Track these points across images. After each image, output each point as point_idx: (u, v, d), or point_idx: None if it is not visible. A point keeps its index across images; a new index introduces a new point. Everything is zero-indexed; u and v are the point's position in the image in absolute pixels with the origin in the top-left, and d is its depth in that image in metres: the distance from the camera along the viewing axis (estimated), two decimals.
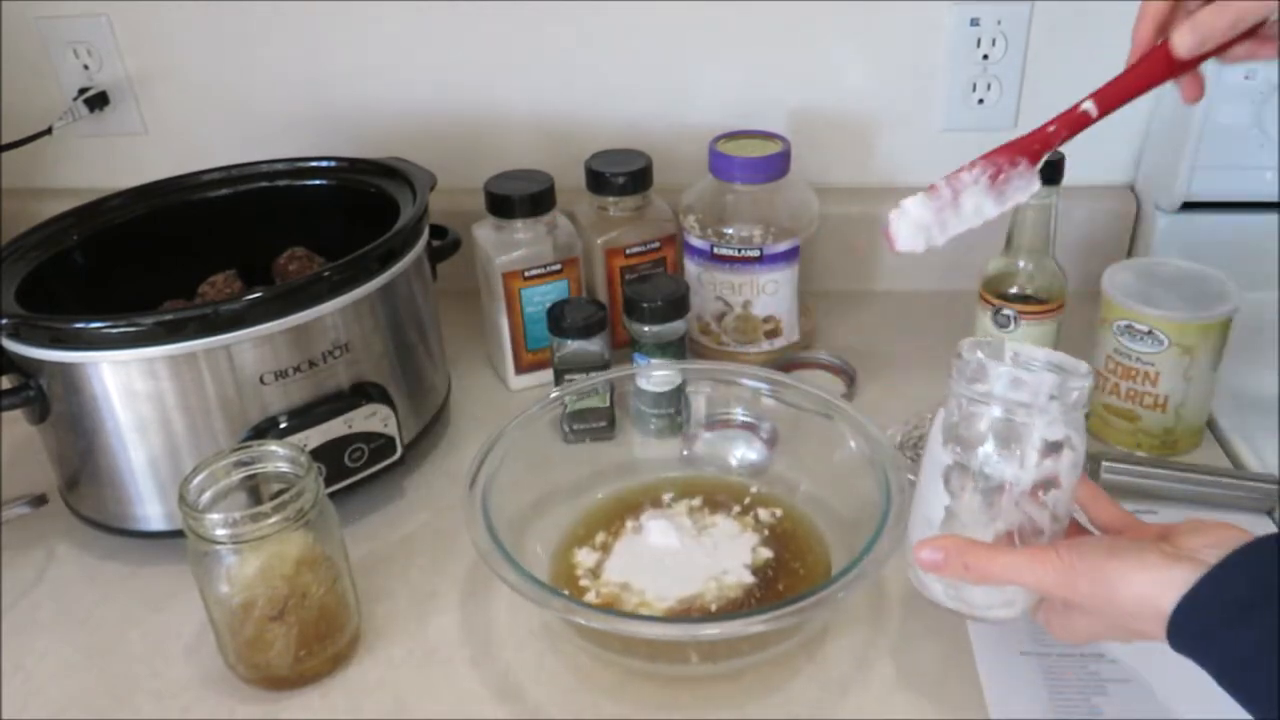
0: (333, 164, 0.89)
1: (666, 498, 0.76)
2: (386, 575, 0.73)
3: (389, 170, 0.86)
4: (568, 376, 0.83)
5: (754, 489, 0.76)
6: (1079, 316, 0.85)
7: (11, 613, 0.72)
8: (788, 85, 1.01)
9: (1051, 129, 0.60)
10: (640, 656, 0.63)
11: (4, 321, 0.68)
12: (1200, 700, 0.50)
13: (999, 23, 0.96)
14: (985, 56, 0.97)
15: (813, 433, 0.76)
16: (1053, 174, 0.77)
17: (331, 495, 0.67)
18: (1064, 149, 0.77)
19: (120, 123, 1.07)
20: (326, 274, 0.71)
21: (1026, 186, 0.60)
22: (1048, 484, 0.53)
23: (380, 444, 0.76)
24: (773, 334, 0.94)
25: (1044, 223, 0.78)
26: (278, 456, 0.64)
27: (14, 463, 0.87)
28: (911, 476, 0.76)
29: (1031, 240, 0.79)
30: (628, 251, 0.92)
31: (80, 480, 0.74)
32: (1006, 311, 0.81)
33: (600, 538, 0.72)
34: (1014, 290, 0.80)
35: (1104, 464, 0.75)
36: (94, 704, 0.65)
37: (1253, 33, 0.53)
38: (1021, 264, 0.80)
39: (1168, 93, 0.96)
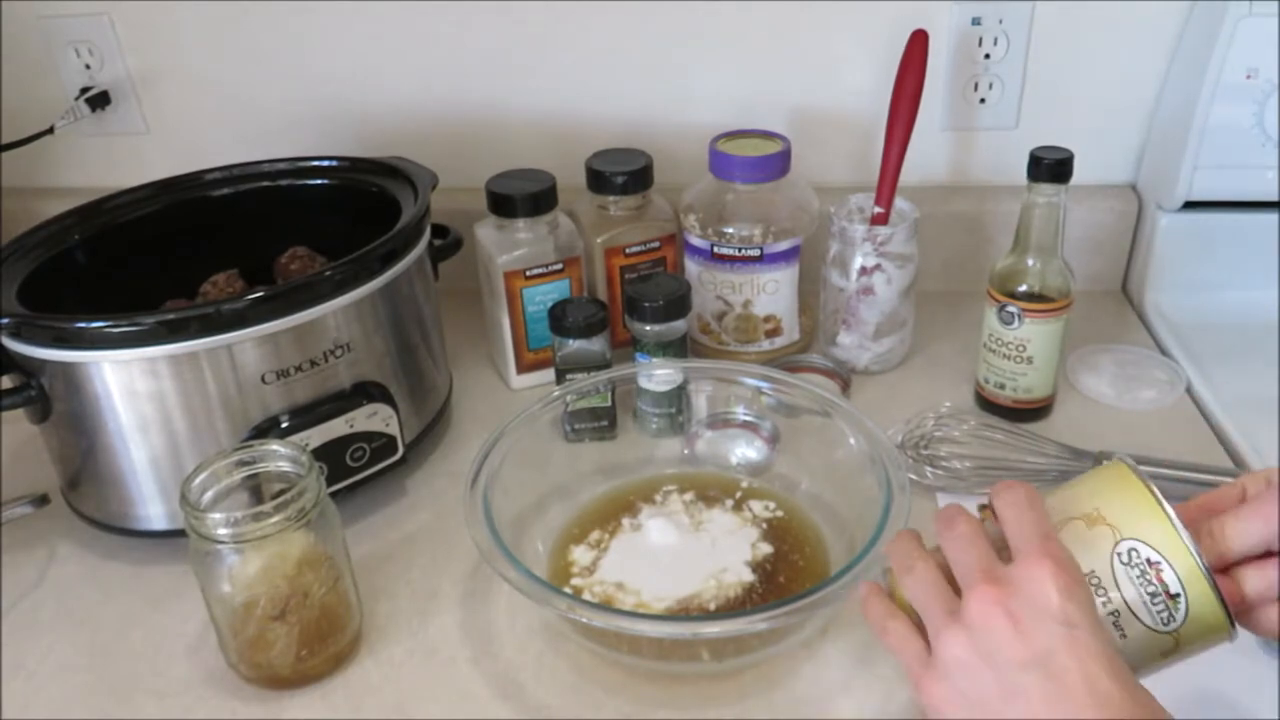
0: (334, 163, 0.89)
1: (660, 494, 0.76)
2: (388, 575, 0.73)
3: (390, 169, 0.86)
4: (569, 376, 0.83)
5: (744, 483, 0.77)
6: (1082, 315, 0.85)
7: (13, 612, 0.72)
8: (788, 85, 1.01)
9: None
10: (642, 655, 0.63)
11: (6, 321, 0.68)
12: None
13: (1000, 22, 0.96)
14: (987, 56, 0.97)
15: (813, 431, 0.76)
16: (1061, 172, 0.77)
17: (333, 495, 0.67)
18: (1068, 147, 0.78)
19: (122, 122, 1.07)
20: (328, 273, 0.71)
21: None
22: (868, 289, 0.88)
23: (382, 443, 0.76)
24: (773, 333, 0.94)
25: (1052, 221, 0.78)
26: (279, 456, 0.64)
27: (15, 462, 0.87)
28: (913, 476, 0.77)
29: (1040, 238, 0.79)
30: (627, 251, 0.92)
31: (82, 480, 0.74)
32: (1010, 309, 0.81)
33: (596, 536, 0.72)
34: (1023, 288, 0.80)
35: (1104, 463, 0.75)
36: (95, 703, 0.65)
37: None
38: (1030, 262, 0.80)
39: (1168, 92, 0.97)
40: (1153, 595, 0.42)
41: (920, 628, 0.47)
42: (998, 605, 0.41)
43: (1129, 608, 0.43)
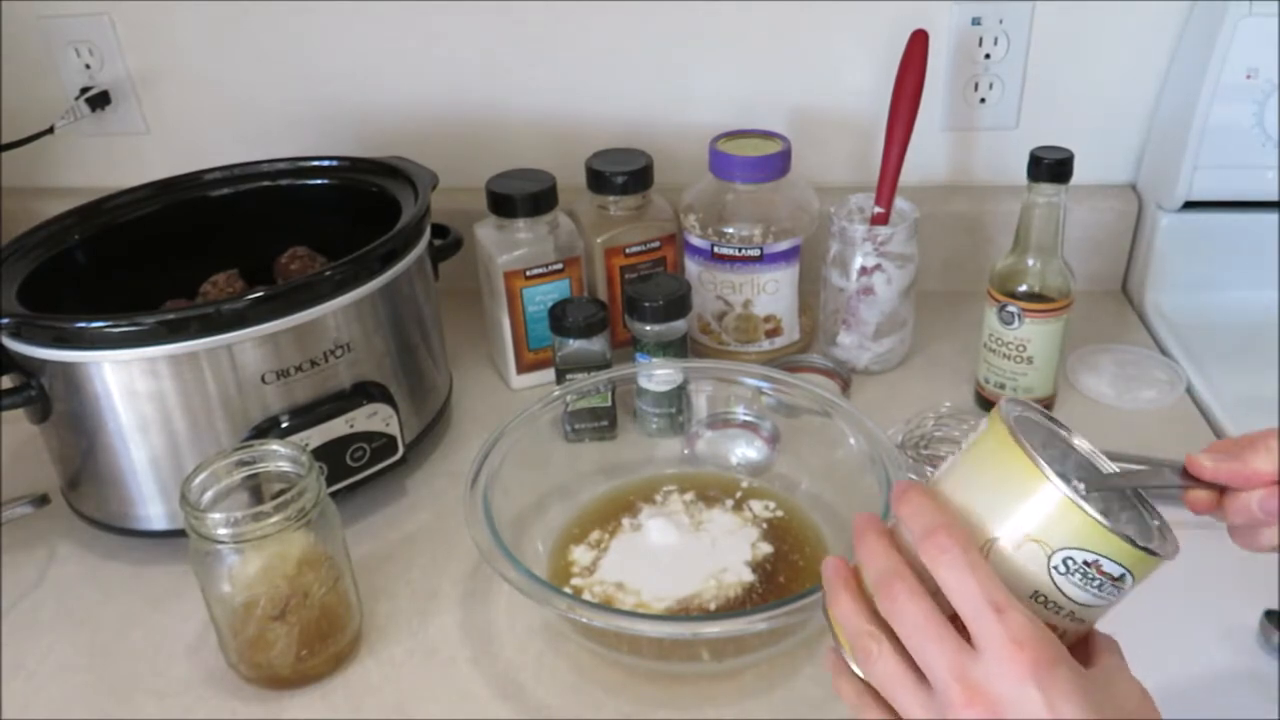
0: (334, 163, 0.89)
1: (660, 494, 0.76)
2: (388, 575, 0.73)
3: (391, 169, 0.86)
4: (569, 376, 0.83)
5: (744, 483, 0.77)
6: (1082, 315, 0.85)
7: (13, 612, 0.72)
8: (788, 85, 1.01)
9: None
10: (642, 655, 0.63)
11: (6, 321, 0.68)
12: None
13: (1000, 22, 0.96)
14: (987, 56, 0.97)
15: (813, 431, 0.76)
16: (1061, 172, 0.77)
17: (333, 495, 0.67)
18: (1068, 147, 0.78)
19: (122, 122, 1.07)
20: (328, 273, 0.71)
21: None
22: (868, 289, 0.88)
23: (382, 443, 0.76)
24: (773, 333, 0.94)
25: (1052, 221, 0.78)
26: (279, 456, 0.64)
27: (16, 462, 0.87)
28: (913, 475, 0.77)
29: (1040, 238, 0.79)
30: (627, 251, 0.92)
31: (82, 480, 0.74)
32: (1011, 308, 0.81)
33: (596, 536, 0.72)
34: (1023, 288, 0.80)
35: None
36: (95, 703, 0.65)
37: None
38: (1030, 262, 0.80)
39: (1168, 92, 0.97)
40: (1099, 586, 0.42)
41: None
42: None
43: (1083, 605, 0.43)
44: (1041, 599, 0.43)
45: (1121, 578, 0.42)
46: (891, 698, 0.44)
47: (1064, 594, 0.42)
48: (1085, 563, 0.42)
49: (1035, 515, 0.42)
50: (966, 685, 0.40)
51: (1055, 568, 0.42)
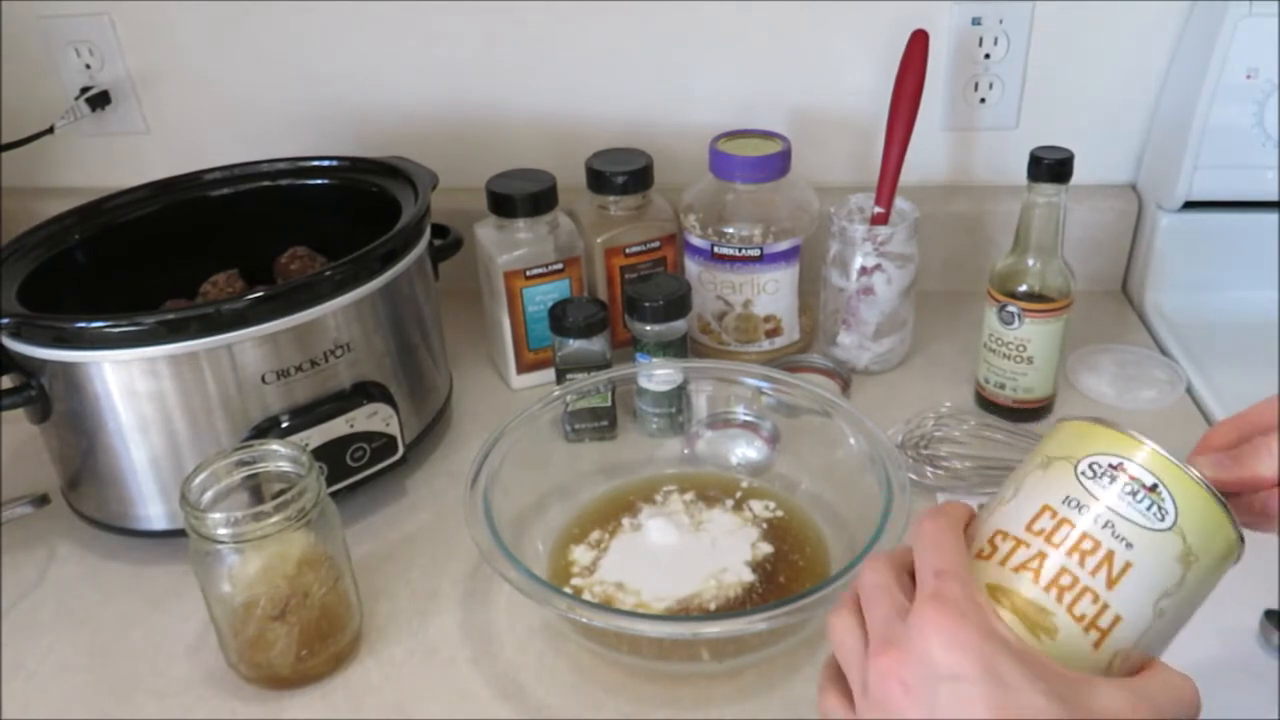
0: (334, 163, 0.89)
1: (660, 494, 0.76)
2: (388, 575, 0.73)
3: (391, 169, 0.86)
4: (569, 376, 0.83)
5: (744, 483, 0.77)
6: (1082, 315, 0.85)
7: (13, 612, 0.72)
8: (788, 85, 1.01)
9: None
10: (642, 655, 0.63)
11: (6, 321, 0.68)
12: None
13: (1000, 22, 0.96)
14: (987, 56, 0.97)
15: (814, 431, 0.76)
16: (1061, 172, 0.77)
17: (333, 495, 0.67)
18: (1068, 147, 0.78)
19: (122, 122, 1.07)
20: (328, 273, 0.71)
21: None
22: (868, 289, 0.88)
23: (382, 443, 0.76)
24: (773, 333, 0.94)
25: (1053, 221, 0.78)
26: (279, 456, 0.64)
27: (16, 462, 0.87)
28: (913, 475, 0.77)
29: (1040, 238, 0.79)
30: (627, 251, 0.92)
31: (82, 480, 0.74)
32: (1011, 308, 0.81)
33: (596, 535, 0.72)
34: (1023, 288, 0.80)
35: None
36: (95, 703, 0.65)
37: None
38: (1030, 262, 0.80)
39: (1168, 92, 0.97)
40: (1133, 493, 0.42)
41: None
42: (891, 677, 0.41)
43: (1116, 511, 0.42)
44: (1073, 502, 0.43)
45: (1156, 489, 0.42)
46: (841, 660, 0.45)
47: (1091, 494, 0.43)
48: (1111, 465, 0.43)
49: (1065, 442, 0.45)
50: (885, 637, 0.42)
51: (1082, 473, 0.44)
